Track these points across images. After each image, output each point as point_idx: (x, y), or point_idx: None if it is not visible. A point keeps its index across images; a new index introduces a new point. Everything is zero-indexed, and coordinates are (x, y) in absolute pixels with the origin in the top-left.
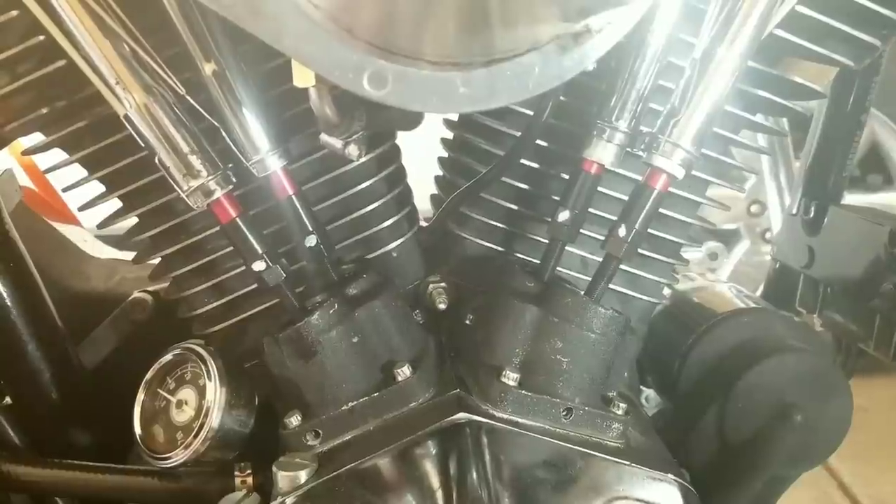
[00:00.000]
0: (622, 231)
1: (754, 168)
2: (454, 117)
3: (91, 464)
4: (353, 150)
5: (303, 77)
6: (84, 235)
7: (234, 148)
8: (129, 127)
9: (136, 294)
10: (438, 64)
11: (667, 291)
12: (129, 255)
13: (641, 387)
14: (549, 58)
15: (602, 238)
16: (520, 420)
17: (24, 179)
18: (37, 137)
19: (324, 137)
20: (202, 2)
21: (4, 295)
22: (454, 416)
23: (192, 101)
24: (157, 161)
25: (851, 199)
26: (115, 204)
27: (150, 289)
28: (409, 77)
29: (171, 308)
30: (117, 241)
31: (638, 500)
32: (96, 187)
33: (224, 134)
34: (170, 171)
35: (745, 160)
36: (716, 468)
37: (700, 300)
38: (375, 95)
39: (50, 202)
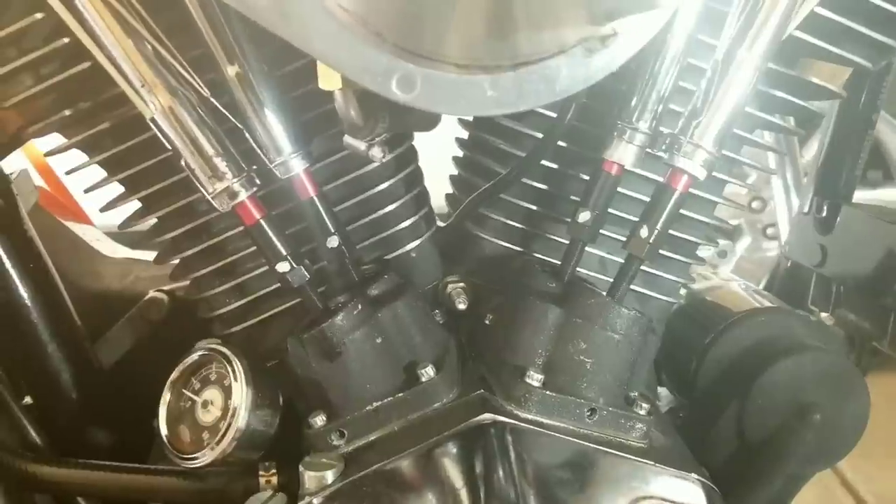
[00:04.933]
0: (644, 231)
1: (767, 167)
2: (470, 117)
3: (116, 464)
4: (376, 152)
5: (328, 80)
6: (97, 235)
7: (257, 149)
8: (154, 129)
9: (151, 293)
10: (466, 67)
11: (682, 291)
12: (143, 255)
13: None
14: (577, 61)
15: (619, 238)
16: (544, 421)
17: (36, 180)
18: (52, 138)
19: (347, 139)
20: (232, 5)
21: (25, 296)
22: (479, 417)
23: (216, 103)
24: (182, 163)
25: None
26: (133, 204)
27: (166, 288)
28: (438, 80)
29: (187, 307)
30: (131, 241)
31: (663, 499)
32: (113, 188)
33: (248, 135)
34: (195, 174)
35: (753, 158)
36: (734, 467)
37: (715, 299)
38: (404, 98)
39: (63, 202)
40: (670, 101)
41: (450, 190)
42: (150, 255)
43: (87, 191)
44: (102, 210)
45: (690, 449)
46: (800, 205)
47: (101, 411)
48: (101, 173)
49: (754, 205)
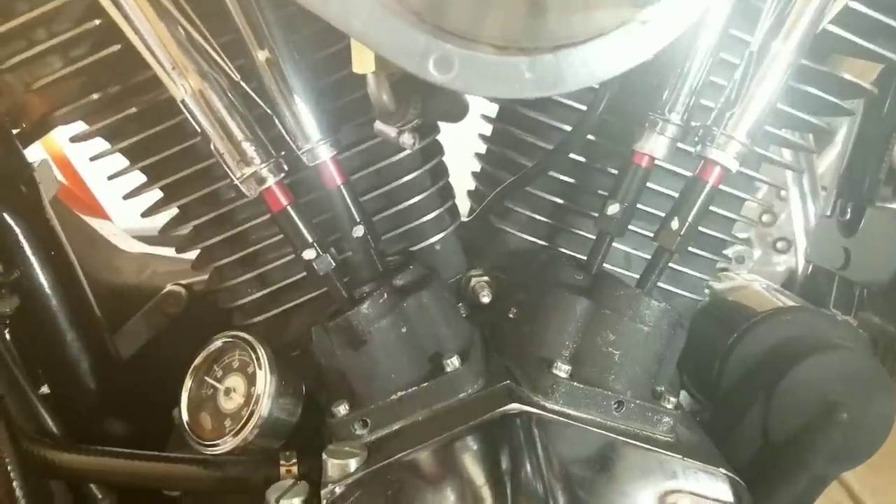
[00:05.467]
0: (675, 224)
1: (784, 183)
2: (493, 111)
3: (135, 451)
4: (407, 138)
5: (362, 63)
6: (113, 230)
7: (285, 136)
8: (184, 111)
9: (169, 287)
10: (505, 49)
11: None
12: (159, 250)
13: None
14: (616, 44)
15: (646, 233)
16: (571, 412)
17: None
18: (71, 130)
19: (378, 125)
20: None
21: (45, 284)
22: (506, 407)
23: (246, 88)
24: (211, 147)
25: None
26: (153, 196)
27: (184, 282)
28: (476, 62)
29: (205, 301)
30: (149, 239)
31: (692, 493)
32: (134, 180)
33: (277, 121)
34: (223, 158)
35: (768, 174)
36: (759, 467)
37: (739, 299)
38: (441, 80)
39: (81, 197)
40: (701, 95)
41: (467, 188)
42: (166, 251)
43: (111, 177)
44: (126, 197)
45: None
46: (821, 210)
47: (120, 402)
48: (123, 166)
49: (764, 218)
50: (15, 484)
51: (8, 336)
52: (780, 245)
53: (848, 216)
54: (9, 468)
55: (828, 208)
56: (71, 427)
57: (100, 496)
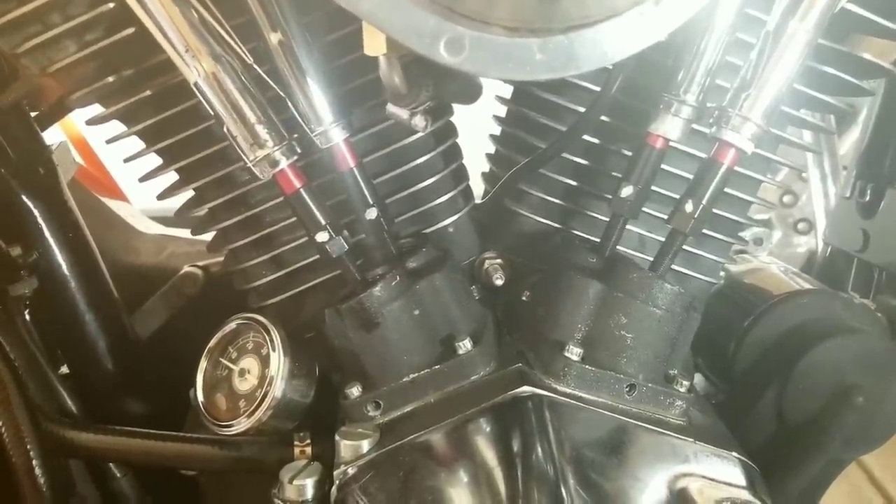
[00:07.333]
0: (689, 206)
1: (804, 164)
2: (508, 93)
3: (152, 431)
4: (419, 121)
5: (373, 45)
6: (131, 211)
7: (298, 118)
8: (198, 94)
9: (186, 268)
10: (516, 30)
11: (721, 272)
12: (177, 232)
13: None
14: (629, 25)
15: (660, 216)
16: (583, 395)
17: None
18: (88, 113)
19: (390, 108)
20: None
21: (64, 265)
22: (518, 390)
23: (259, 70)
24: (224, 130)
25: None
26: (169, 178)
27: (201, 263)
28: (487, 43)
29: (221, 282)
30: (167, 220)
31: (703, 476)
32: (152, 161)
33: (290, 104)
34: (236, 141)
35: (789, 156)
36: (774, 450)
37: (755, 282)
38: (452, 62)
39: (99, 178)
40: (716, 75)
41: (481, 170)
42: (184, 233)
43: (127, 160)
44: (142, 180)
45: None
46: (841, 192)
47: (137, 382)
48: (141, 149)
49: (785, 199)
50: (34, 463)
51: (28, 317)
52: (800, 226)
53: (867, 198)
54: (28, 447)
55: (847, 189)
56: (89, 407)
57: (118, 475)
